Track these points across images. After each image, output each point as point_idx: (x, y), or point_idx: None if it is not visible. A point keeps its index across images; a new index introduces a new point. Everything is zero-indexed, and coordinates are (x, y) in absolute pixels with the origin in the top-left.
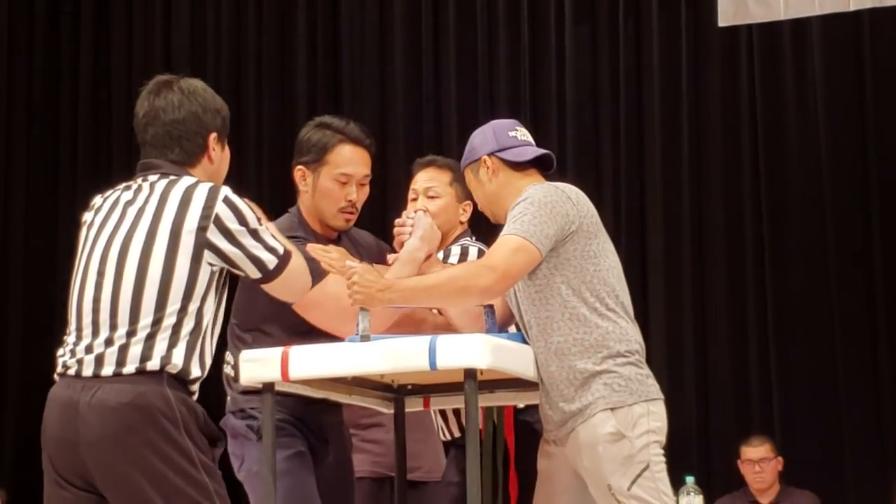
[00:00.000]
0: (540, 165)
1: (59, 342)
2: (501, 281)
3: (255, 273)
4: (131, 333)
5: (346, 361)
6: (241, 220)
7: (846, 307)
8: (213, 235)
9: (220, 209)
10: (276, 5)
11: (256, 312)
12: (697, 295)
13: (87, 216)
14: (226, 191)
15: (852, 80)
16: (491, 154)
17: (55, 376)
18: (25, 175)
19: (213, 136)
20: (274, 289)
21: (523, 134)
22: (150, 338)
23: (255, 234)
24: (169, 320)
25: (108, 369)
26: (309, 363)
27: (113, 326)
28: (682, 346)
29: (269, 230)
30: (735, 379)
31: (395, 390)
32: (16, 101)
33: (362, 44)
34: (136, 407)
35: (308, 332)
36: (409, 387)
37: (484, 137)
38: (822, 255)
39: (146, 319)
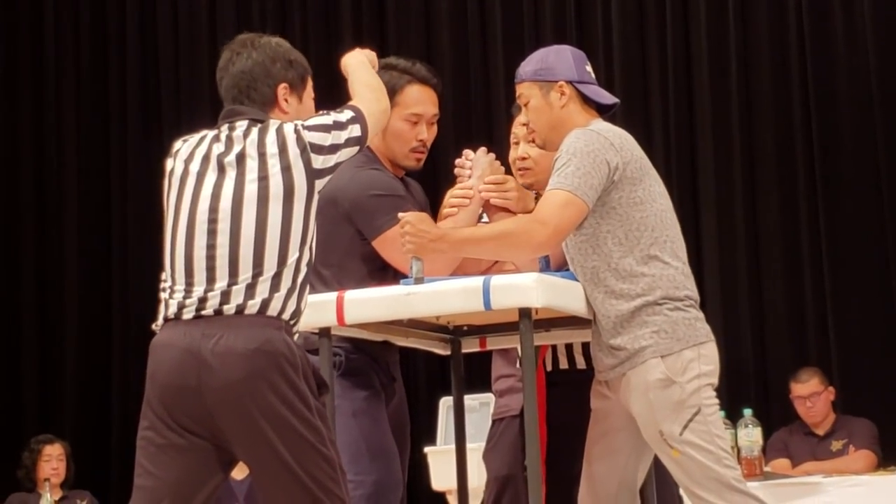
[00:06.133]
0: (602, 107)
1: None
2: (553, 236)
3: (356, 150)
4: (254, 278)
5: (401, 305)
6: (324, 129)
7: None
8: (317, 162)
9: (308, 137)
10: None
11: (338, 247)
12: (750, 227)
13: (172, 164)
14: (300, 121)
15: None
16: (569, 81)
17: (160, 321)
18: (76, 133)
19: (283, 86)
20: (372, 133)
21: (592, 70)
22: (272, 284)
23: (337, 126)
24: (289, 269)
25: (230, 307)
26: (364, 307)
27: (233, 274)
28: (737, 279)
29: (333, 112)
30: (790, 309)
31: (451, 331)
32: (65, 59)
33: None
34: (263, 352)
35: (385, 267)
36: (465, 328)
37: (564, 62)
38: (875, 181)
39: (269, 269)
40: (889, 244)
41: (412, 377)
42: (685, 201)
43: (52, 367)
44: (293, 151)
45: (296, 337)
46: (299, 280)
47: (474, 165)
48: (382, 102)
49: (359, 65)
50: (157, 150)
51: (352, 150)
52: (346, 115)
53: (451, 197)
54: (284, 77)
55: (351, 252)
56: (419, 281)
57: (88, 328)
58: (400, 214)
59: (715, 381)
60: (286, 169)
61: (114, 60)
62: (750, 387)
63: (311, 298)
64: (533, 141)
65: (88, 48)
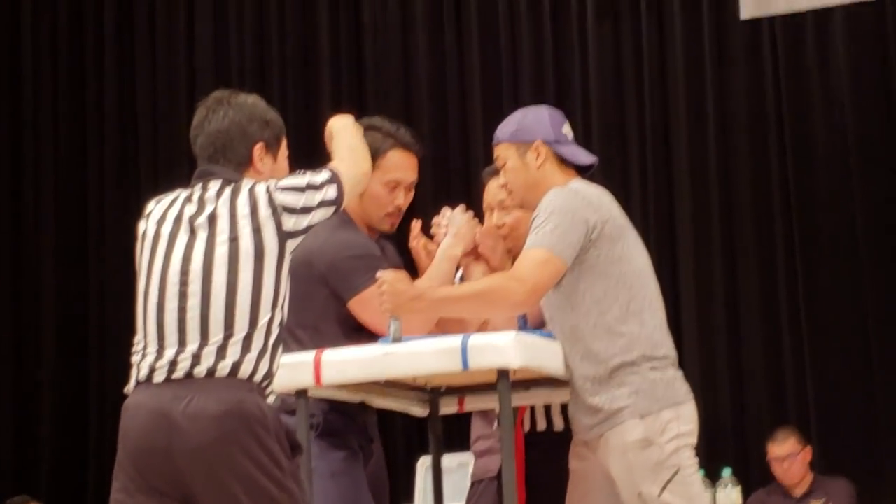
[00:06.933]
0: (579, 167)
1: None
2: (531, 294)
3: (331, 211)
4: (225, 340)
5: (378, 365)
6: (297, 189)
7: (877, 292)
8: (288, 224)
9: (280, 198)
10: (298, 14)
11: (314, 309)
12: (729, 285)
13: (144, 226)
14: (273, 181)
15: (877, 69)
16: (546, 142)
17: (132, 384)
18: (54, 190)
19: (259, 146)
20: (350, 196)
21: (570, 131)
22: (243, 346)
23: (311, 187)
24: (260, 331)
25: (201, 370)
26: (342, 368)
27: (204, 337)
28: (715, 337)
29: (309, 173)
30: (769, 368)
31: (429, 392)
32: (41, 123)
33: (385, 43)
34: (235, 415)
35: (361, 328)
36: (443, 388)
37: (540, 122)
38: (852, 242)
39: (240, 331)
40: (867, 303)
41: (390, 437)
42: (663, 260)
43: (28, 427)
44: (264, 212)
45: (270, 398)
46: (271, 341)
47: (451, 223)
48: (363, 166)
49: (343, 128)
50: (134, 209)
51: (326, 212)
52: (322, 176)
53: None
54: (260, 136)
55: (326, 313)
56: (397, 341)
57: (65, 388)
58: (378, 273)
59: (694, 441)
60: (257, 230)
61: (92, 116)
62: (729, 446)
63: (288, 359)
64: (507, 208)
65: (67, 103)
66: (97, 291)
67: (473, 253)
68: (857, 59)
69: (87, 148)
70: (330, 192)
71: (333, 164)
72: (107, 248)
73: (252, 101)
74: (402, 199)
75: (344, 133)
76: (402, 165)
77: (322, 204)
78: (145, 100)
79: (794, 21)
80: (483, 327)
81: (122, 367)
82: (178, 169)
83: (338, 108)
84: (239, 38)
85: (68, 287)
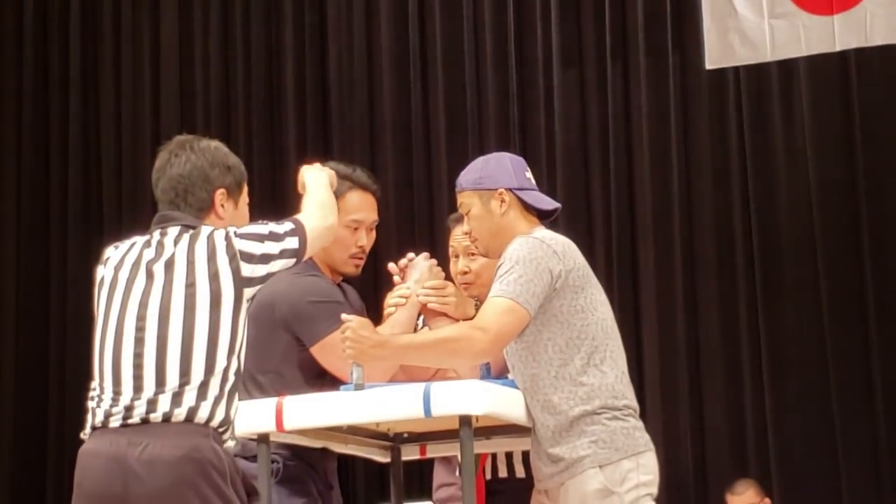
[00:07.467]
0: (542, 213)
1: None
2: (494, 343)
3: (292, 262)
4: (181, 387)
5: (340, 411)
6: (257, 238)
7: (840, 345)
8: (246, 271)
9: (239, 245)
10: (264, 60)
11: (275, 353)
12: (691, 337)
13: (103, 272)
14: (233, 228)
15: (840, 120)
16: (509, 189)
17: (87, 430)
18: (16, 235)
19: (221, 192)
20: (312, 248)
21: (531, 177)
22: (199, 392)
23: (273, 237)
24: (216, 377)
25: (157, 415)
26: (303, 413)
27: (160, 383)
28: (677, 389)
29: (272, 223)
30: (730, 421)
31: (391, 438)
32: (5, 167)
33: (351, 89)
34: (190, 460)
35: (323, 374)
36: (405, 435)
37: (503, 169)
38: (814, 293)
39: (196, 377)
40: (829, 354)
41: (350, 484)
42: (626, 309)
43: None
44: (222, 258)
45: (229, 444)
46: (227, 388)
47: (413, 269)
48: (329, 219)
49: (316, 184)
50: (97, 256)
51: (287, 262)
52: (284, 227)
53: (390, 298)
54: (222, 182)
55: (288, 358)
56: (360, 387)
57: (24, 434)
58: (343, 316)
59: (654, 491)
60: (214, 276)
61: (55, 164)
62: (690, 498)
63: (249, 404)
64: (473, 254)
65: (30, 150)
66: (58, 336)
67: (429, 309)
68: (820, 109)
69: (50, 192)
70: (291, 242)
71: (299, 216)
72: (70, 296)
73: (215, 146)
74: (365, 240)
75: (315, 188)
76: (361, 206)
77: (283, 254)
78: (109, 144)
79: (758, 71)
80: (442, 373)
81: (82, 413)
82: (141, 219)
83: (303, 155)
84: (204, 82)
85: (29, 331)
